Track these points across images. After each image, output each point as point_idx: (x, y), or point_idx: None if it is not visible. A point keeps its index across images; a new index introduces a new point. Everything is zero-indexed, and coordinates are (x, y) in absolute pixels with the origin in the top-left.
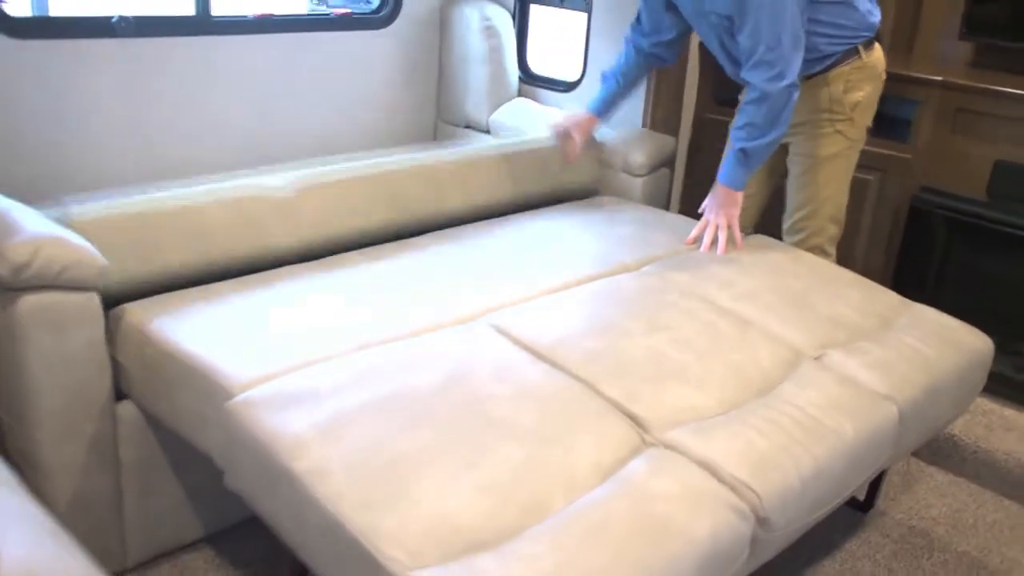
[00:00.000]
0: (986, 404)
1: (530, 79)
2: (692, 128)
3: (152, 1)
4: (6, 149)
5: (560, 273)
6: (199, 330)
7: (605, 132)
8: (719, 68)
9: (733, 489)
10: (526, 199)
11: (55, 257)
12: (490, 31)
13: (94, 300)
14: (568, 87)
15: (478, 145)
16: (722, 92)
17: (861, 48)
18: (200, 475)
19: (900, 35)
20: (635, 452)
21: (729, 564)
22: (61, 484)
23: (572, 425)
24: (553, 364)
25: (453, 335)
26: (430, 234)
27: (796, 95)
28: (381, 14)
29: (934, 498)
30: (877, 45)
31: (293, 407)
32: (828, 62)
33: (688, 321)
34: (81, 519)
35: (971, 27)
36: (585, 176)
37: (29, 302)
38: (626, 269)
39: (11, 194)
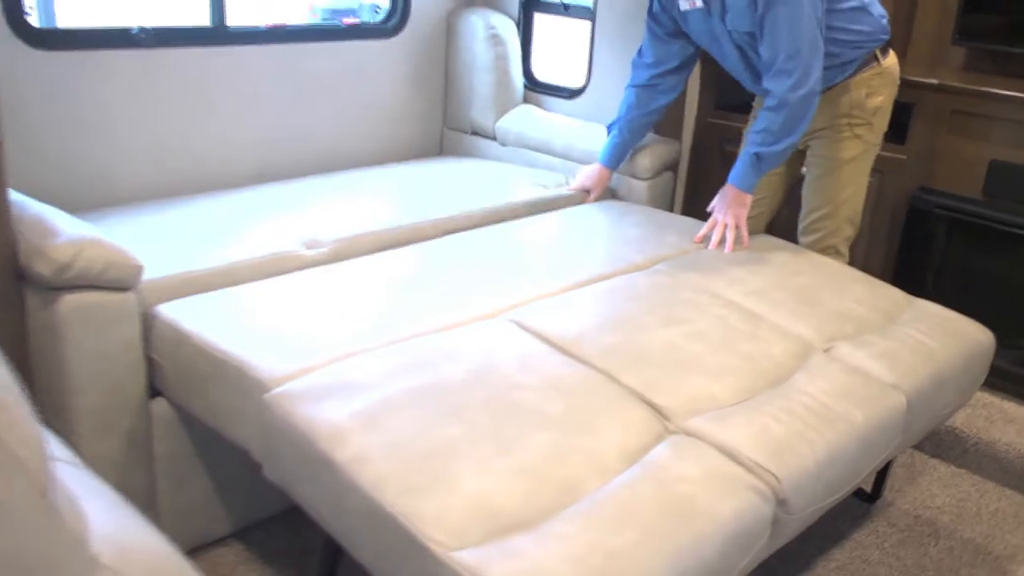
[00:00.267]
0: (986, 398)
1: (535, 86)
2: (694, 132)
3: (163, 10)
4: (29, 157)
5: (575, 272)
6: (232, 328)
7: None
8: (720, 75)
9: (753, 472)
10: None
11: (96, 258)
12: (496, 39)
13: (131, 300)
14: (572, 94)
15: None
16: (723, 98)
17: (879, 53)
18: (229, 471)
19: (895, 40)
20: (658, 439)
21: (751, 544)
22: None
23: (598, 414)
24: (575, 357)
25: (478, 331)
26: (448, 236)
27: (815, 104)
28: (389, 24)
29: (938, 489)
30: (891, 51)
31: (330, 399)
32: (849, 70)
33: (701, 316)
34: None
35: (963, 32)
36: None
37: (70, 301)
38: (638, 268)
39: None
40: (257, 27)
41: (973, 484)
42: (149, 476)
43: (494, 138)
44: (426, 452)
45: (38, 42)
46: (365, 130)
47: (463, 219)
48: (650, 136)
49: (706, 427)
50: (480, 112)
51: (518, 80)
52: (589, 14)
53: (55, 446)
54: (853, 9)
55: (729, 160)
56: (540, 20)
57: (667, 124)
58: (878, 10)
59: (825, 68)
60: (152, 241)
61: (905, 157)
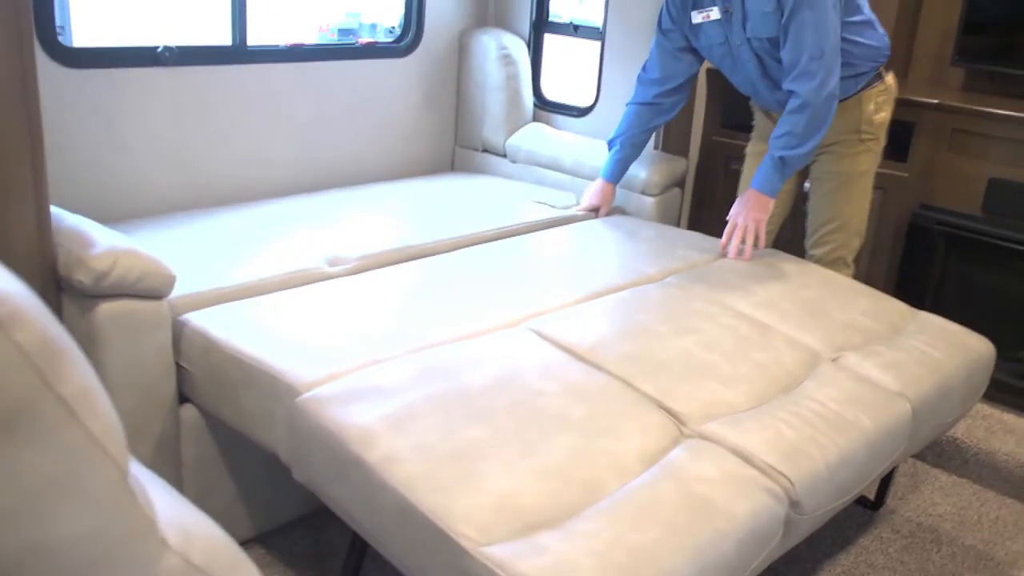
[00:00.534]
0: (986, 409)
1: (544, 105)
2: (700, 150)
3: (183, 28)
4: (58, 170)
5: (590, 283)
6: (261, 336)
7: None
8: (725, 94)
9: (767, 475)
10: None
11: (132, 267)
12: (507, 59)
13: (164, 308)
14: (581, 112)
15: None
16: (727, 117)
17: (883, 71)
18: (252, 476)
19: (896, 60)
20: (675, 442)
21: (766, 542)
22: None
23: (617, 418)
24: (593, 365)
25: (499, 339)
26: (465, 249)
27: (835, 107)
28: (403, 43)
29: (940, 497)
30: (891, 71)
31: (359, 402)
32: (862, 82)
33: (713, 325)
34: None
35: (963, 53)
36: None
37: (107, 309)
38: (650, 280)
39: None
40: (276, 46)
41: (974, 493)
42: (176, 481)
43: (505, 155)
44: (454, 453)
45: (68, 60)
46: (379, 146)
47: (480, 236)
48: (658, 154)
49: (721, 431)
50: (491, 130)
51: (528, 99)
52: (598, 34)
53: None
54: (862, 23)
55: (733, 177)
56: (550, 40)
57: (674, 142)
58: (880, 28)
59: (842, 78)
60: (178, 253)
61: (907, 174)
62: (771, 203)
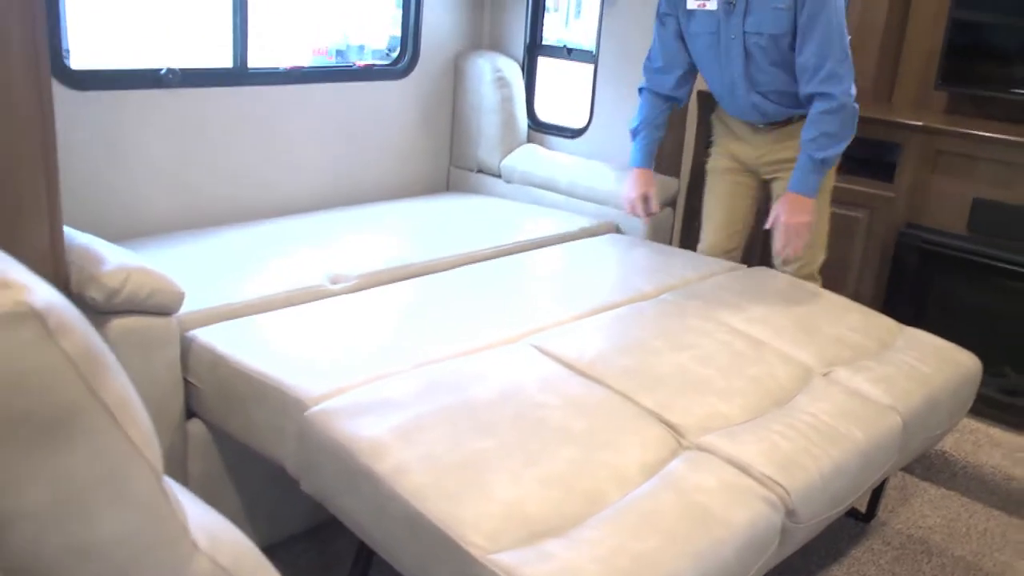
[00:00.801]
0: (973, 424)
1: (538, 126)
2: (691, 171)
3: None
4: (64, 190)
5: (588, 300)
6: (268, 351)
7: (612, 174)
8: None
9: (764, 485)
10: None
11: (143, 284)
12: (502, 82)
13: (173, 324)
14: (574, 134)
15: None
16: None
17: None
18: (257, 491)
19: (882, 84)
20: (674, 454)
21: (763, 550)
22: None
23: (617, 431)
24: (593, 379)
25: (501, 355)
26: (463, 267)
27: None
28: (400, 66)
29: (929, 510)
30: None
31: (368, 415)
32: None
33: (708, 341)
34: None
35: (946, 78)
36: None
37: (117, 325)
38: (645, 297)
39: None
40: (276, 68)
41: (962, 505)
42: None
43: (499, 176)
44: (460, 464)
45: (73, 83)
46: (376, 167)
47: (478, 255)
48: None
49: (718, 443)
50: (486, 151)
51: (522, 120)
52: (591, 58)
53: None
54: None
55: None
56: (544, 63)
57: (666, 163)
58: None
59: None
60: (182, 271)
61: (893, 195)
62: (812, 203)
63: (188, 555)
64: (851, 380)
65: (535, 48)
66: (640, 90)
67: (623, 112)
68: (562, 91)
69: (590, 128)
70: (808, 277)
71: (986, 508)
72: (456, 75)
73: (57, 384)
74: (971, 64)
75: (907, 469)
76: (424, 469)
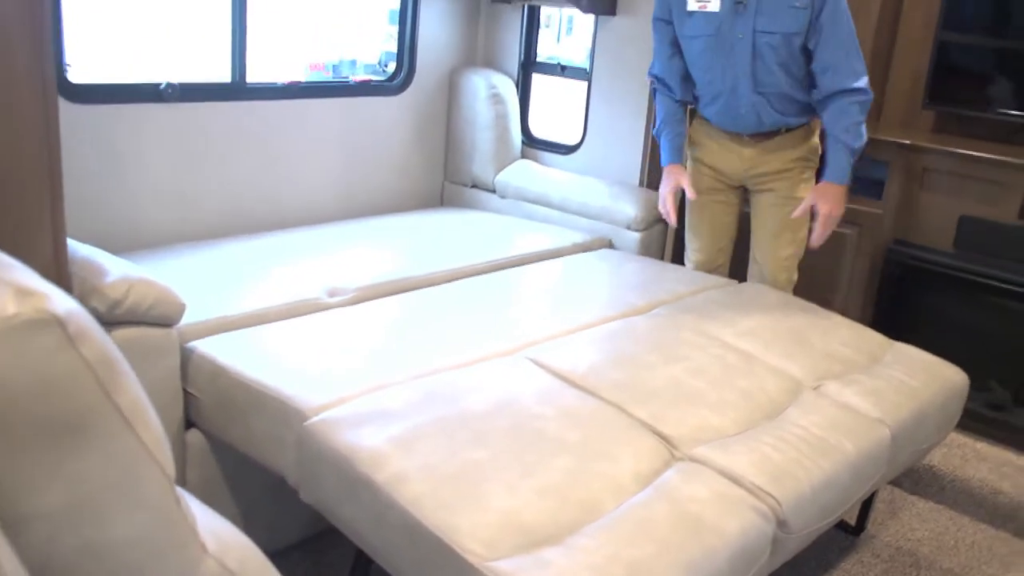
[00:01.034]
0: (961, 438)
1: (532, 142)
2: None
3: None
4: (66, 204)
5: (582, 314)
6: (268, 362)
7: (605, 190)
8: None
9: (756, 495)
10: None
11: (145, 295)
12: (496, 98)
13: (173, 335)
14: (568, 150)
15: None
16: None
17: None
18: (253, 501)
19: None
20: (667, 464)
21: (754, 560)
22: None
23: (611, 442)
24: (587, 391)
25: (496, 367)
26: (458, 281)
27: None
28: (396, 81)
29: (917, 523)
30: None
31: (367, 426)
32: (811, 112)
33: (700, 354)
34: None
35: (933, 97)
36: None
37: (119, 336)
38: (638, 311)
39: None
40: (274, 83)
41: (950, 518)
42: None
43: (494, 191)
44: (458, 473)
45: (74, 96)
46: (372, 181)
47: (474, 269)
48: (644, 191)
49: (711, 454)
50: (481, 167)
51: (517, 136)
52: (585, 75)
53: None
54: None
55: None
56: (538, 80)
57: (659, 180)
58: None
59: (800, 106)
60: (181, 283)
61: (881, 212)
62: (846, 191)
63: (197, 558)
64: (841, 393)
65: (529, 65)
66: (654, 91)
67: (616, 129)
68: (556, 108)
69: (583, 144)
70: (791, 284)
71: (973, 521)
72: (451, 91)
73: (76, 389)
74: (957, 84)
75: (896, 483)
76: (422, 478)
